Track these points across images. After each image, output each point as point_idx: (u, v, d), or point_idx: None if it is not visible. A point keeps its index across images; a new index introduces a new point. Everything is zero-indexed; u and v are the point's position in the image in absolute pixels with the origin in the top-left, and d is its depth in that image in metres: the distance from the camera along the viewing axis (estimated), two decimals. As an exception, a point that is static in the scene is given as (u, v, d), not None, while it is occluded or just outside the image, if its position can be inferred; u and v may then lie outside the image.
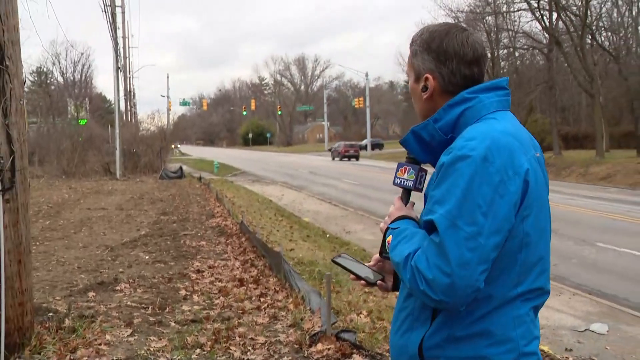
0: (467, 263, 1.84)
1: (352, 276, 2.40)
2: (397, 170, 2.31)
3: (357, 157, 64.94)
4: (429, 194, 2.02)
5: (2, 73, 5.75)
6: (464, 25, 2.32)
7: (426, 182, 2.20)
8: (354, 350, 5.70)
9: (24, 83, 6.61)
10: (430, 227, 1.95)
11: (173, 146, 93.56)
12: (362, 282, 2.36)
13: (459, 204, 1.87)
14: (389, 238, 2.15)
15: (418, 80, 2.20)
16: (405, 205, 2.27)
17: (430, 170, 2.22)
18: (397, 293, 2.31)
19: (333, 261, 2.48)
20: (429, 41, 2.16)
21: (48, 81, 78.69)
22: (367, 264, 2.41)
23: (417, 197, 2.25)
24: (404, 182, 2.28)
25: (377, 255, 2.40)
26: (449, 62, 2.12)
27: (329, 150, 74.97)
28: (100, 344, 6.39)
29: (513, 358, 1.98)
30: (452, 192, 1.89)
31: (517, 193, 1.91)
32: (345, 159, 64.92)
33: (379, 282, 2.35)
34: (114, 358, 6.02)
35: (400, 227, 2.14)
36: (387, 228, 2.21)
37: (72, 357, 5.95)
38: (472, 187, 1.87)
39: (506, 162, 1.90)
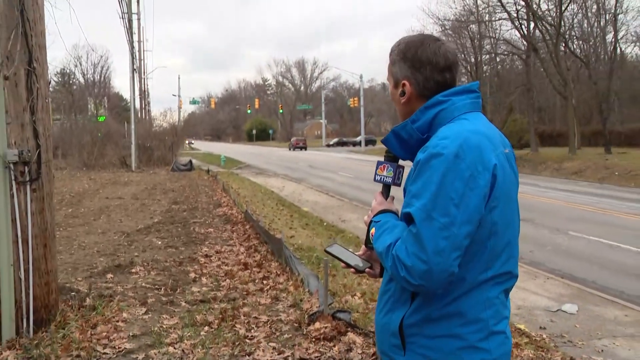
0: (442, 250, 1.88)
1: (342, 264, 2.42)
2: (376, 168, 2.35)
3: (305, 148, 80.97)
4: (407, 189, 2.06)
5: (30, 74, 5.75)
6: (437, 36, 2.36)
7: (404, 178, 2.24)
8: (349, 329, 5.71)
9: (49, 83, 6.62)
10: (408, 219, 1.99)
11: (187, 142, 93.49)
12: (352, 269, 2.39)
13: (433, 197, 1.91)
14: (373, 230, 2.19)
15: (397, 86, 2.25)
16: (386, 200, 2.31)
17: (407, 166, 2.25)
18: None
19: (326, 251, 2.50)
20: (405, 51, 2.21)
21: (70, 81, 78.60)
22: (356, 253, 2.44)
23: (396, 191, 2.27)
24: (383, 178, 2.32)
25: None
26: (423, 69, 2.17)
27: (327, 145, 77.31)
28: (117, 321, 6.42)
29: (483, 336, 2.03)
30: (427, 187, 1.93)
31: (486, 186, 1.96)
32: (297, 149, 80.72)
33: (367, 269, 2.39)
34: (130, 334, 6.05)
35: (382, 220, 2.18)
36: (371, 221, 2.25)
37: (92, 332, 5.98)
38: (445, 181, 1.91)
39: (476, 158, 1.95)
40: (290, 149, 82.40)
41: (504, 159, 2.07)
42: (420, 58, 2.17)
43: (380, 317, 2.22)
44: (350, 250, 2.46)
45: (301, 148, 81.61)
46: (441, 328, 2.03)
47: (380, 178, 2.33)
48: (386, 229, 2.11)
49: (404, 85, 2.21)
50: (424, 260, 1.88)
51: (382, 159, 2.35)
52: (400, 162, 2.33)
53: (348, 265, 2.39)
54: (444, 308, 2.02)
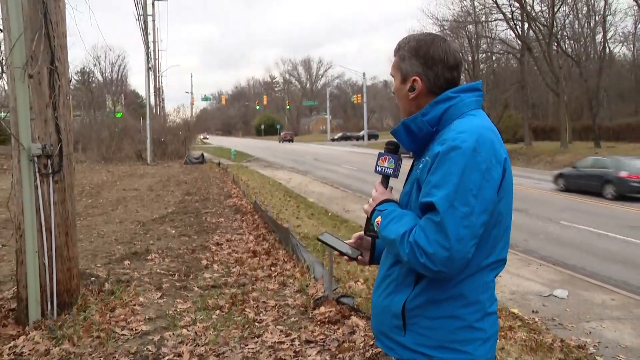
0: (463, 238, 1.89)
1: (336, 252, 2.45)
2: (378, 159, 2.34)
3: (292, 141, 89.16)
4: (425, 179, 2.03)
5: (52, 73, 5.77)
6: (443, 36, 2.35)
7: (400, 170, 2.29)
8: (352, 313, 5.72)
9: (70, 81, 6.65)
10: (427, 208, 1.97)
11: (202, 137, 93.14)
12: (345, 257, 2.42)
13: (455, 188, 1.91)
14: (378, 219, 2.17)
15: (405, 82, 2.22)
16: (386, 190, 2.31)
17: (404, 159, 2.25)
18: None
19: (318, 239, 2.52)
20: (416, 48, 2.18)
21: (90, 80, 78.58)
22: (346, 242, 2.48)
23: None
24: (384, 169, 2.31)
25: (357, 234, 2.51)
26: (435, 66, 2.15)
27: (331, 140, 78.49)
28: (134, 305, 6.46)
29: (479, 317, 2.06)
30: (449, 178, 1.92)
31: (499, 179, 1.98)
32: (285, 141, 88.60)
33: (359, 257, 2.43)
34: (146, 317, 6.08)
35: (388, 209, 2.17)
36: (374, 210, 2.24)
37: (111, 315, 6.01)
38: (465, 173, 1.92)
39: (490, 152, 1.96)
40: (280, 142, 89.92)
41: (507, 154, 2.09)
42: (432, 56, 2.15)
43: (381, 300, 2.22)
44: (340, 239, 2.49)
45: (289, 141, 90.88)
46: (444, 309, 2.05)
47: (381, 169, 2.32)
48: (394, 217, 2.10)
49: (414, 81, 2.18)
50: (446, 247, 1.89)
51: (383, 151, 2.34)
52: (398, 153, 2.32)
53: (341, 253, 2.43)
54: (447, 291, 2.03)
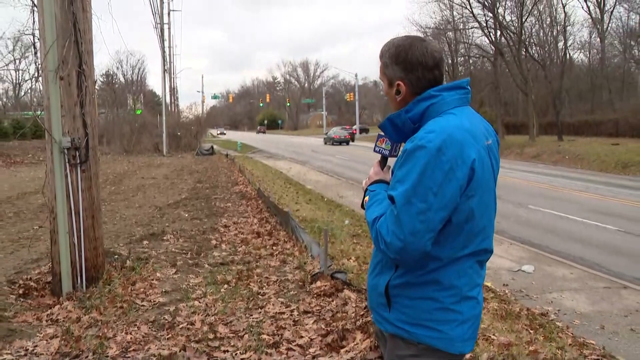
0: (417, 232, 1.86)
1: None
2: (377, 140, 2.30)
3: (264, 132, 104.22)
4: (394, 173, 2.01)
5: (80, 75, 5.79)
6: (422, 37, 2.28)
7: (400, 150, 2.14)
8: (345, 287, 5.73)
9: (95, 82, 6.66)
10: (391, 199, 1.95)
11: (218, 132, 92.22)
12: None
13: (414, 184, 1.86)
14: (366, 198, 2.16)
15: (391, 86, 2.14)
16: (382, 169, 2.27)
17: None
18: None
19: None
20: (396, 55, 2.10)
21: (113, 81, 78.25)
22: None
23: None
24: (382, 150, 2.27)
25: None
26: (415, 70, 2.06)
27: (326, 134, 79.63)
28: (153, 279, 6.50)
29: (456, 300, 2.01)
30: (410, 175, 1.88)
31: (463, 178, 1.90)
32: (260, 133, 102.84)
33: None
34: (163, 290, 6.13)
35: (376, 191, 2.14)
36: (367, 189, 2.22)
37: (132, 288, 6.06)
38: (426, 172, 1.86)
39: (456, 153, 1.88)
40: (257, 133, 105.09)
41: (485, 153, 2.02)
42: (411, 60, 2.06)
43: (371, 279, 2.20)
44: None
45: (263, 132, 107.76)
46: (421, 292, 2.01)
47: (379, 149, 2.28)
48: (375, 200, 2.09)
49: (398, 85, 2.11)
50: (400, 239, 1.86)
51: (382, 133, 2.28)
52: None
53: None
54: (422, 277, 2.00)
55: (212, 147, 40.10)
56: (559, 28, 45.83)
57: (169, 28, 47.75)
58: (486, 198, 2.04)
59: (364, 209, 2.24)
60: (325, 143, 52.67)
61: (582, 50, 54.23)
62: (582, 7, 45.68)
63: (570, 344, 5.13)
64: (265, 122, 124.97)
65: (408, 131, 2.08)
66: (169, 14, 45.52)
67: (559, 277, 8.10)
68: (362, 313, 4.86)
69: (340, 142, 50.99)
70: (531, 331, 5.48)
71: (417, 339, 2.03)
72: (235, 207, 12.84)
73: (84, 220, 5.95)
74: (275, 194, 15.12)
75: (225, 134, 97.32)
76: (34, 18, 6.01)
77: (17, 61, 61.03)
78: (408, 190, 1.87)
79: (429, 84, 2.08)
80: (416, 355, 2.04)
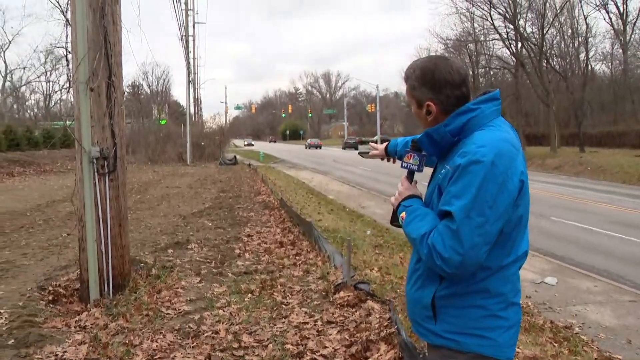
0: (476, 245, 1.88)
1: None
2: (404, 156, 2.31)
3: (275, 142, 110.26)
4: (446, 189, 1.99)
5: (110, 86, 5.86)
6: (444, 55, 2.30)
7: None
8: (368, 297, 5.69)
9: (124, 93, 6.73)
10: (445, 215, 1.95)
11: (246, 143, 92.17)
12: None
13: (473, 199, 1.88)
14: (403, 214, 2.15)
15: (421, 107, 2.17)
16: (411, 185, 2.27)
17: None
18: (393, 228, 2.36)
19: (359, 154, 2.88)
20: (422, 76, 2.12)
21: (139, 92, 79.42)
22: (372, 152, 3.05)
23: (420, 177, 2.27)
24: (409, 165, 2.28)
25: (383, 147, 2.90)
26: (443, 89, 2.09)
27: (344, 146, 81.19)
28: (177, 288, 6.51)
29: (503, 307, 2.04)
30: (468, 190, 1.89)
31: (514, 190, 1.94)
32: (272, 142, 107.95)
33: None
34: (188, 298, 6.14)
35: (413, 206, 2.14)
36: (399, 205, 2.21)
37: (158, 297, 6.08)
38: (483, 186, 1.88)
39: (508, 166, 1.92)
40: (269, 142, 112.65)
41: (524, 162, 2.05)
42: (438, 80, 2.09)
43: (412, 293, 2.20)
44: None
45: (274, 142, 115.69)
46: (469, 300, 2.03)
47: (407, 165, 2.29)
48: (417, 215, 2.09)
49: (428, 105, 2.13)
50: (460, 253, 1.87)
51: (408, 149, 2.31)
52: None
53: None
54: (471, 286, 2.02)
55: (235, 157, 40.29)
56: (580, 39, 45.52)
57: (194, 40, 48.19)
58: (528, 203, 2.07)
59: (396, 224, 2.26)
60: (344, 148, 70.53)
61: (604, 62, 53.67)
62: (604, 19, 45.19)
63: (596, 359, 5.04)
64: (288, 132, 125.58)
65: (446, 145, 2.11)
66: (193, 26, 45.92)
67: (583, 290, 7.97)
68: (386, 324, 4.83)
69: (351, 146, 69.66)
70: (555, 344, 5.39)
71: (466, 348, 2.04)
72: (258, 217, 12.82)
73: (111, 228, 6.00)
74: (298, 203, 15.11)
75: (253, 144, 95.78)
76: (67, 32, 6.13)
77: (48, 73, 62.37)
78: (467, 205, 1.89)
79: (458, 101, 2.11)
80: None
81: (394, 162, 2.91)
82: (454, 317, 2.05)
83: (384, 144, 2.96)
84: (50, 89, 66.63)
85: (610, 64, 53.35)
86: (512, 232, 2.01)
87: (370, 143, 3.11)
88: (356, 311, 5.48)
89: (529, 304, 7.13)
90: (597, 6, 39.74)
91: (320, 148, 77.28)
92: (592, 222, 13.36)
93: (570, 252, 10.43)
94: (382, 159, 3.00)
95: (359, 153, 3.00)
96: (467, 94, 2.13)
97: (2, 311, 5.43)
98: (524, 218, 2.04)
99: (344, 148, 71.26)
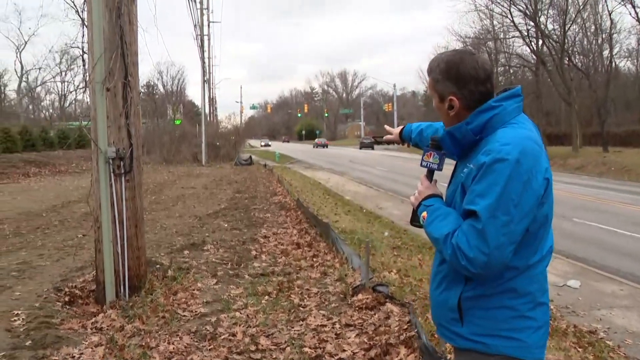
0: (502, 245, 1.86)
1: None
2: (423, 155, 2.28)
3: (289, 142, 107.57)
4: (470, 187, 1.97)
5: (126, 86, 5.89)
6: (471, 49, 2.27)
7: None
8: (387, 300, 5.67)
9: (139, 93, 6.76)
10: (470, 214, 1.93)
11: (262, 144, 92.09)
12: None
13: (497, 198, 1.86)
14: (424, 214, 2.12)
15: (443, 101, 2.13)
16: (431, 184, 2.25)
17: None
18: (411, 229, 2.35)
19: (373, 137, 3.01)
20: (447, 70, 2.08)
21: (154, 92, 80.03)
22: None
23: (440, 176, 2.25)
24: (429, 164, 2.26)
25: (397, 131, 2.97)
26: (468, 84, 2.05)
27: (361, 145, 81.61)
28: (194, 290, 6.53)
29: (531, 307, 2.01)
30: (493, 188, 1.87)
31: (540, 188, 1.92)
32: (285, 142, 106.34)
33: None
34: (204, 300, 6.15)
35: (434, 205, 2.12)
36: (420, 204, 2.19)
37: (174, 298, 6.10)
38: (508, 184, 1.86)
39: (532, 164, 1.90)
40: (282, 142, 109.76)
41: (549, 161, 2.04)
42: (463, 75, 2.05)
43: (437, 295, 2.18)
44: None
45: (287, 142, 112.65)
46: (497, 301, 1.99)
47: (427, 164, 2.27)
48: (439, 215, 2.07)
49: (451, 100, 2.09)
50: (485, 253, 1.85)
51: (428, 147, 2.29)
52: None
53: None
54: (497, 287, 1.99)
55: (250, 157, 40.39)
56: (604, 36, 44.82)
57: (209, 39, 48.34)
58: (552, 201, 2.05)
59: (416, 224, 2.23)
60: (361, 148, 71.33)
61: (630, 58, 52.83)
62: (630, 14, 44.25)
63: (623, 365, 4.97)
64: (304, 132, 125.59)
65: (467, 143, 2.08)
66: (208, 25, 46.12)
67: (608, 294, 7.87)
68: (405, 327, 4.79)
69: (367, 146, 70.65)
70: (580, 349, 5.32)
71: (495, 350, 2.01)
72: (275, 218, 12.82)
73: (127, 229, 6.03)
74: (314, 204, 15.10)
75: (270, 145, 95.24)
76: (83, 32, 6.17)
77: (64, 73, 63.07)
78: (492, 204, 1.87)
79: (482, 97, 2.07)
80: None
81: (408, 146, 2.97)
82: (481, 319, 2.02)
83: (399, 128, 2.97)
84: (66, 89, 67.48)
85: (635, 60, 52.68)
86: (538, 231, 1.99)
87: (385, 127, 3.13)
88: (375, 314, 5.45)
89: (552, 307, 7.02)
90: (623, 1, 39.24)
91: (327, 147, 79.15)
92: (616, 223, 13.21)
93: (594, 254, 10.31)
94: (397, 143, 3.02)
95: (373, 137, 3.06)
96: (491, 91, 2.10)
97: (19, 312, 5.49)
98: (549, 216, 2.02)
99: (360, 148, 71.84)
